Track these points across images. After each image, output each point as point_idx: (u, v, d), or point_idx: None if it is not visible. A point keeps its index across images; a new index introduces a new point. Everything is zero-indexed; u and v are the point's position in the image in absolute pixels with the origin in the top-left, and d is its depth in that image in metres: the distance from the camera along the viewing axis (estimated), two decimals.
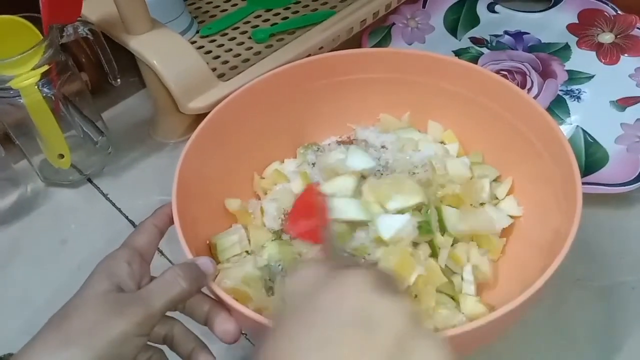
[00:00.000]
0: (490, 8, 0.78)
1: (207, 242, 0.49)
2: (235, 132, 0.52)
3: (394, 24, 0.76)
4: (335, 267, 0.29)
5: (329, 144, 0.57)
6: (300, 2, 0.75)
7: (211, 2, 0.77)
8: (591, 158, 0.59)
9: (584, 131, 0.62)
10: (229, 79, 0.62)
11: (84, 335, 0.33)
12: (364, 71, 0.55)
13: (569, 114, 0.63)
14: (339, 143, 0.57)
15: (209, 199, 0.50)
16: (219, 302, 0.39)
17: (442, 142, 0.55)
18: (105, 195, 0.62)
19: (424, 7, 0.78)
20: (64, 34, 0.56)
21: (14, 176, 0.62)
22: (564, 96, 0.65)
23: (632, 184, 0.55)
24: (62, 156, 0.60)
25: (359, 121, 0.58)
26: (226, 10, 0.76)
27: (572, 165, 0.42)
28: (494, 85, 0.50)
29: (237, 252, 0.49)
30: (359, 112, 0.58)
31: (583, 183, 0.54)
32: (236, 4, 0.76)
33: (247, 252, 0.49)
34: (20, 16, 0.52)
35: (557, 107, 0.64)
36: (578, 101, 0.65)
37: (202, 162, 0.49)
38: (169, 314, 0.38)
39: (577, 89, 0.66)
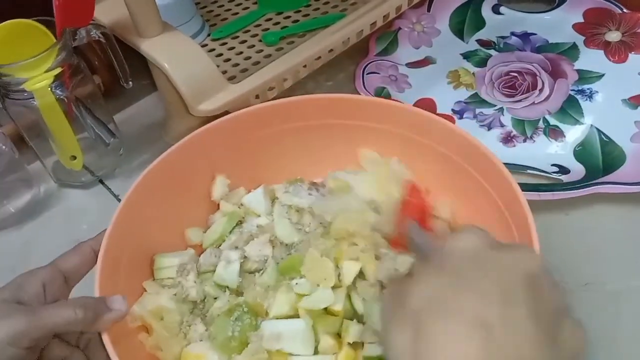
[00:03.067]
0: (495, 10, 0.78)
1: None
2: (189, 175, 0.51)
3: (400, 28, 0.76)
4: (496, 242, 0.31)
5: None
6: (310, 5, 0.76)
7: (223, 6, 0.78)
8: (608, 157, 0.58)
9: (599, 130, 0.61)
10: (240, 82, 0.62)
11: None
12: (302, 119, 0.53)
13: (583, 114, 0.63)
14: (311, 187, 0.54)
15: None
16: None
17: None
18: (116, 197, 0.63)
19: (429, 10, 0.78)
20: (76, 37, 0.57)
21: (28, 177, 0.63)
22: (575, 96, 0.65)
23: None
24: (74, 158, 0.60)
25: (307, 170, 0.55)
26: (237, 13, 0.76)
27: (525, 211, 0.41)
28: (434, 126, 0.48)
29: (173, 275, 0.47)
30: (308, 160, 0.55)
31: (602, 183, 0.54)
32: (247, 7, 0.77)
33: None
34: (34, 20, 0.53)
35: (570, 107, 0.64)
36: (590, 100, 0.65)
37: (143, 211, 0.47)
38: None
39: (588, 89, 0.66)
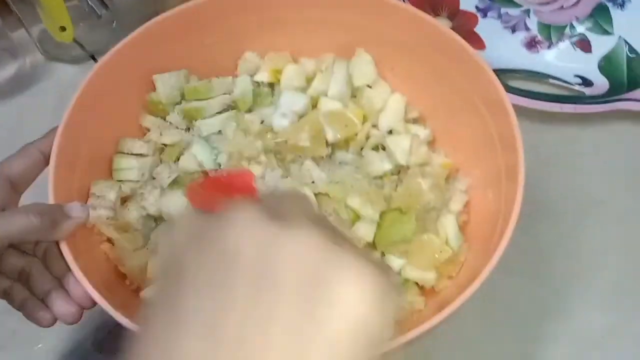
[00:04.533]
0: None
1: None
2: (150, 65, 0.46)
3: None
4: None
5: None
6: None
7: None
8: (633, 73, 0.56)
9: (627, 43, 0.58)
10: None
11: None
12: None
13: (612, 23, 0.59)
14: None
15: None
16: (60, 281, 0.36)
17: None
18: None
19: None
20: None
21: (12, 47, 0.58)
22: (607, 3, 0.61)
23: None
24: (63, 29, 0.55)
25: None
26: None
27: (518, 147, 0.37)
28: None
29: (132, 178, 0.44)
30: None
31: (625, 100, 0.52)
32: None
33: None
34: None
35: (600, 15, 0.60)
36: (622, 9, 0.60)
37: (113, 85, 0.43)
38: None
39: None
